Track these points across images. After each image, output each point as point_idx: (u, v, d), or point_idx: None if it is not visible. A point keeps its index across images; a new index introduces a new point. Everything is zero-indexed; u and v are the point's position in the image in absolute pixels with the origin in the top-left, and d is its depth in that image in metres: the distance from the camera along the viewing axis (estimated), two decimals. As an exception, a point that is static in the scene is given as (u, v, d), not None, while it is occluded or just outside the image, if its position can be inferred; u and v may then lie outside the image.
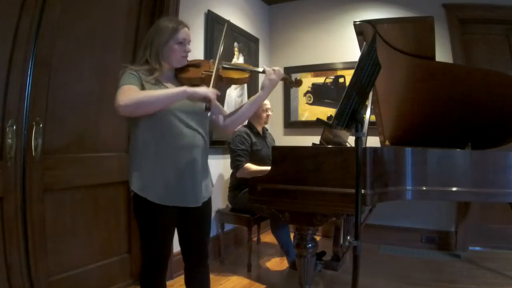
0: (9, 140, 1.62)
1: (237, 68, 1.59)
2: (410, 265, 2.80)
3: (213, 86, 1.39)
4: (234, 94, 3.32)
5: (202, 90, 1.34)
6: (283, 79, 1.60)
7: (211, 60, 1.54)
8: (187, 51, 1.47)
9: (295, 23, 3.94)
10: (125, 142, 2.27)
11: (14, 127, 1.63)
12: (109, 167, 2.15)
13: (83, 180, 2.00)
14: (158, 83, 1.41)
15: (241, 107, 1.61)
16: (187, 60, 1.50)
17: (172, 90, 1.33)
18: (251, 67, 1.61)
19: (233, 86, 3.27)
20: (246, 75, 1.55)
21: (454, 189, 1.88)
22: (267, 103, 2.84)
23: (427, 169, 1.87)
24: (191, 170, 1.41)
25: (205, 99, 1.33)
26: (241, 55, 3.42)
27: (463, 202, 3.05)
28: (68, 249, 1.93)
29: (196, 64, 1.52)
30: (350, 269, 1.40)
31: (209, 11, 2.94)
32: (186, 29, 1.46)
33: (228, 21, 1.62)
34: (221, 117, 1.61)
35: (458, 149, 2.20)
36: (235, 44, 3.35)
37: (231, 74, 1.54)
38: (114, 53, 2.19)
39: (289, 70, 3.89)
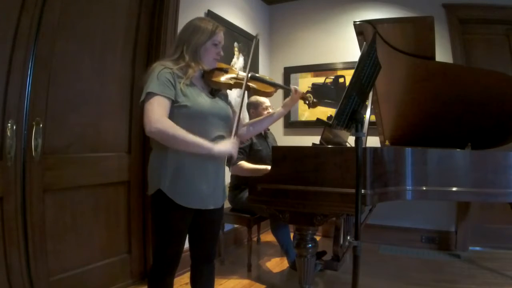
0: (9, 140, 1.61)
1: (264, 81, 1.62)
2: (410, 265, 2.80)
3: (243, 96, 1.49)
4: (234, 94, 3.32)
5: (227, 147, 1.38)
6: (302, 98, 1.70)
7: (238, 69, 1.57)
8: (219, 54, 1.49)
9: (295, 23, 3.94)
10: (125, 142, 2.28)
11: (14, 127, 1.63)
12: (109, 167, 2.15)
13: (83, 180, 2.00)
14: (192, 85, 1.41)
15: (258, 121, 1.72)
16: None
17: (202, 142, 1.32)
18: (278, 83, 1.68)
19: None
20: (271, 89, 1.61)
21: (454, 189, 1.88)
22: (266, 101, 2.82)
23: (427, 169, 1.87)
24: (217, 173, 1.46)
25: (230, 155, 1.39)
26: (241, 55, 3.42)
27: (463, 202, 3.05)
28: (68, 249, 1.93)
29: (223, 69, 1.54)
30: (350, 269, 1.40)
31: (209, 11, 2.95)
32: (222, 32, 1.48)
33: (256, 36, 1.67)
34: None
35: (458, 149, 2.19)
36: (235, 44, 3.35)
37: (258, 86, 1.58)
38: (114, 53, 2.18)
39: (289, 70, 3.89)
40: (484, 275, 2.56)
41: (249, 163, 2.60)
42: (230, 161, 1.40)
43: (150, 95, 1.31)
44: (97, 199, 2.10)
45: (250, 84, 1.53)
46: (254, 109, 2.77)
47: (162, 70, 1.34)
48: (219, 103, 1.49)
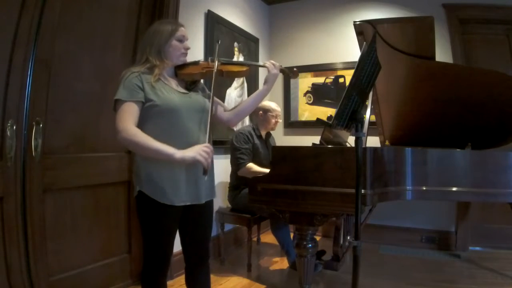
0: (9, 140, 1.61)
1: (236, 63, 1.66)
2: (410, 265, 2.80)
3: (214, 81, 1.46)
4: (234, 94, 3.32)
5: (191, 153, 1.30)
6: (281, 71, 1.66)
7: (210, 58, 1.59)
8: (186, 48, 1.50)
9: (295, 23, 3.94)
10: (125, 142, 2.28)
11: (14, 127, 1.63)
12: (109, 167, 2.15)
13: (83, 180, 2.00)
14: (165, 86, 1.42)
15: (245, 101, 1.67)
16: (186, 59, 1.53)
17: (164, 149, 1.30)
18: (250, 62, 1.68)
19: (233, 86, 3.27)
20: (245, 68, 1.62)
21: (454, 189, 1.88)
22: (277, 109, 2.81)
23: (427, 169, 1.87)
24: (196, 167, 1.43)
25: (196, 162, 1.31)
26: (241, 55, 3.42)
27: (463, 202, 3.05)
28: (68, 249, 1.93)
29: (195, 62, 1.56)
30: (350, 269, 1.40)
31: (209, 11, 2.94)
32: (183, 28, 1.50)
33: (218, 42, 1.70)
34: (223, 112, 1.65)
35: (458, 149, 2.20)
36: (235, 44, 3.35)
37: (231, 68, 1.60)
38: (114, 53, 2.19)
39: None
40: (484, 275, 2.56)
41: (257, 166, 2.59)
42: (205, 171, 1.32)
43: (119, 102, 1.35)
44: (97, 199, 2.10)
45: (222, 69, 1.54)
46: (264, 112, 2.76)
47: (128, 76, 1.37)
48: (192, 97, 1.48)
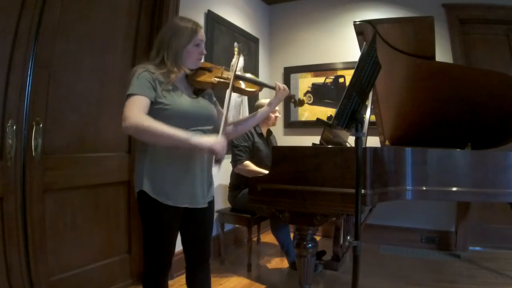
0: (9, 140, 1.61)
1: (250, 80, 1.61)
2: (410, 265, 2.79)
3: (229, 95, 1.47)
4: (235, 94, 3.31)
5: (208, 142, 1.29)
6: (288, 97, 1.69)
7: (223, 67, 1.56)
8: (202, 54, 1.48)
9: (295, 23, 3.94)
10: (125, 142, 2.28)
11: (14, 127, 1.63)
12: (109, 167, 2.15)
13: (83, 180, 2.00)
14: (175, 89, 1.40)
15: (245, 119, 1.71)
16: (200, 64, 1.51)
17: (178, 133, 1.26)
18: (261, 82, 1.66)
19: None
20: (255, 88, 1.60)
21: (454, 189, 1.88)
22: None
23: (427, 169, 1.88)
24: (200, 170, 1.43)
25: (212, 152, 1.31)
26: (241, 55, 3.41)
27: (463, 202, 3.05)
28: (68, 249, 1.93)
29: (208, 68, 1.52)
30: (350, 269, 1.40)
31: (209, 11, 2.95)
32: (202, 30, 1.47)
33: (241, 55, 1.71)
34: None
35: (458, 149, 2.20)
36: (235, 44, 3.35)
37: (241, 85, 1.57)
38: (114, 53, 2.18)
39: (289, 70, 3.89)
40: (484, 275, 2.56)
41: (254, 166, 2.60)
42: (219, 161, 1.31)
43: (130, 96, 1.30)
44: (97, 199, 2.10)
45: (234, 83, 1.51)
46: None
47: (142, 73, 1.33)
48: (201, 102, 1.47)
